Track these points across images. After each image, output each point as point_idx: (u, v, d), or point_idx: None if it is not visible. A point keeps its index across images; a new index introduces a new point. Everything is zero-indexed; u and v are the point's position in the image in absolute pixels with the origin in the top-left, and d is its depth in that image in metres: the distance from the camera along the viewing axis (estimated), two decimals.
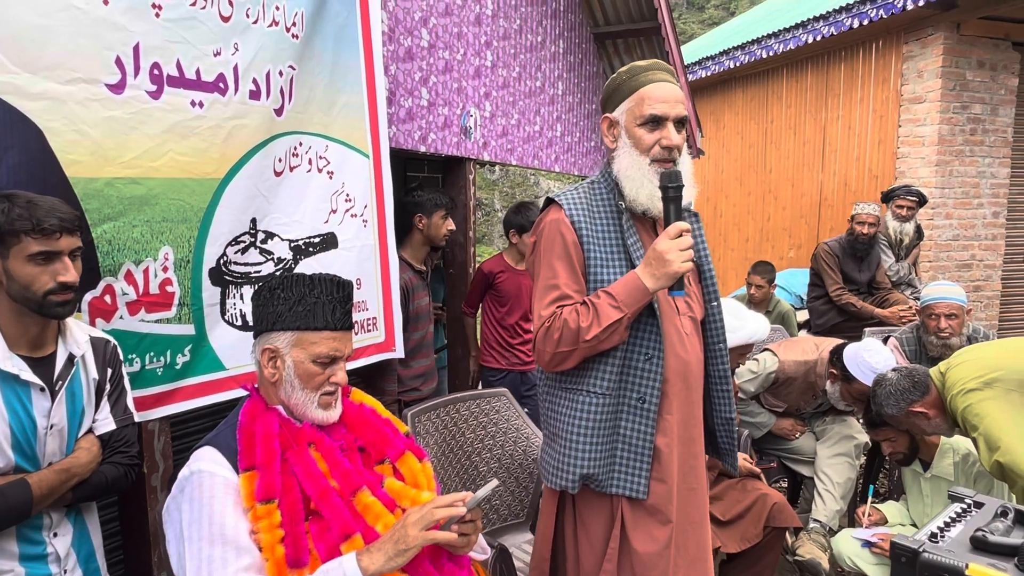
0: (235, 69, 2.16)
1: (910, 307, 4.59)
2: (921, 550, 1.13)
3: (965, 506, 1.32)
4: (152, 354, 2.01)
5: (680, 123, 1.70)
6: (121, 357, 1.80)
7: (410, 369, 3.13)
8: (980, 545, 1.15)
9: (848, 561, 2.85)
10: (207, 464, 1.45)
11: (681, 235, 1.60)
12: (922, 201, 4.99)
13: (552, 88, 4.26)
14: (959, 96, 5.97)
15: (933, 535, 1.21)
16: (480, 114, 3.55)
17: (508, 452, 2.62)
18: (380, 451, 1.65)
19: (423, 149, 3.14)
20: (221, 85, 2.13)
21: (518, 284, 3.57)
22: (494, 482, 1.48)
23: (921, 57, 6.05)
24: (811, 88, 7.28)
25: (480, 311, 3.69)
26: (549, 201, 1.80)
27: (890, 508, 3.01)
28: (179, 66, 2.00)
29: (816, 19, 6.61)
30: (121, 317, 1.92)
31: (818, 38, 6.63)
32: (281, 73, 2.33)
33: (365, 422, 1.68)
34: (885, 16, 5.88)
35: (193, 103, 2.05)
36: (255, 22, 2.22)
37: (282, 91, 2.34)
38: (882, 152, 6.47)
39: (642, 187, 1.69)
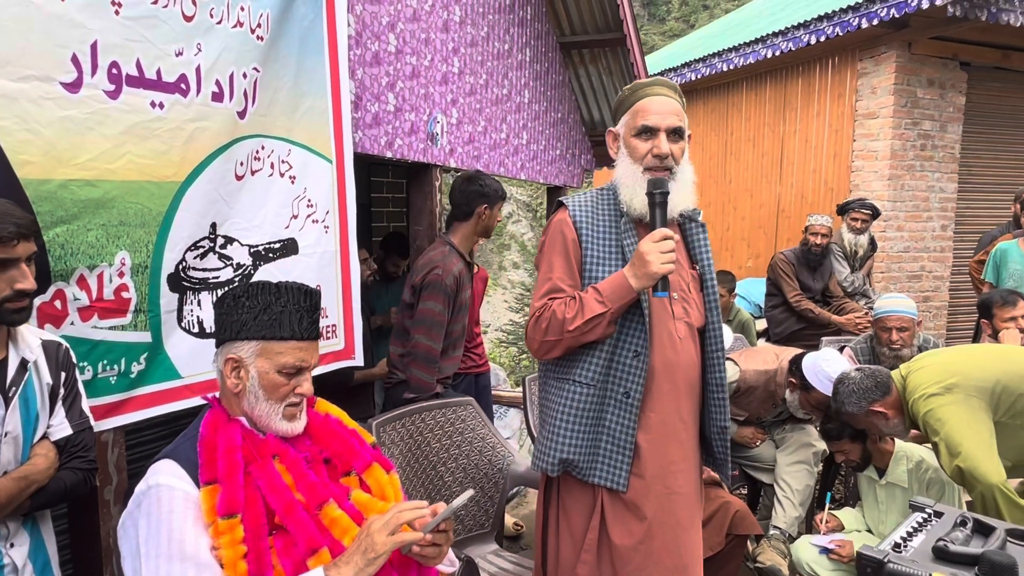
0: (197, 70, 2.11)
1: (865, 314, 4.73)
2: (886, 560, 1.15)
3: (926, 515, 1.34)
4: (105, 362, 1.94)
5: (675, 134, 1.79)
6: (74, 360, 1.73)
7: (450, 359, 3.10)
8: (942, 555, 1.17)
9: (807, 568, 2.90)
10: (165, 478, 1.40)
11: (665, 239, 1.68)
12: (875, 214, 5.14)
13: (518, 96, 4.27)
14: (910, 113, 6.17)
15: (896, 545, 1.23)
16: (447, 120, 3.53)
17: (474, 462, 2.60)
18: (346, 463, 1.61)
19: (389, 155, 3.11)
20: (183, 86, 2.07)
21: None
22: (469, 492, 1.47)
23: (875, 74, 6.24)
24: (770, 101, 7.44)
25: None
26: (559, 204, 1.92)
27: (846, 515, 3.07)
28: (139, 66, 1.94)
29: (775, 35, 6.77)
30: (72, 323, 1.85)
31: (777, 53, 6.79)
32: (245, 75, 2.28)
33: (331, 433, 1.64)
34: (841, 34, 6.04)
35: (153, 104, 1.99)
36: (219, 22, 2.17)
37: (245, 93, 2.29)
38: (837, 165, 6.65)
39: (636, 194, 1.79)
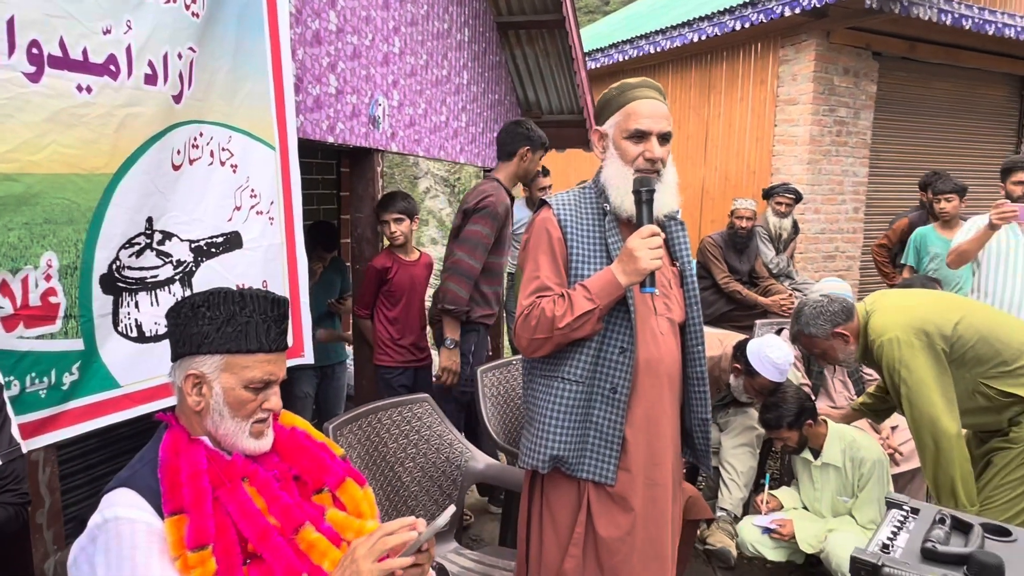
0: (128, 50, 1.91)
1: (789, 295, 4.94)
2: (881, 564, 1.18)
3: (904, 513, 1.40)
4: (33, 375, 1.76)
5: (664, 138, 1.82)
6: (2, 381, 1.56)
7: (488, 296, 3.40)
8: (930, 556, 1.22)
9: (751, 547, 3.01)
10: (124, 510, 1.28)
11: (652, 236, 1.71)
12: (798, 198, 5.34)
13: (457, 77, 4.15)
14: (827, 100, 6.43)
15: (884, 546, 1.27)
16: (388, 103, 3.39)
17: (431, 460, 2.54)
18: (318, 479, 1.53)
19: (331, 139, 2.96)
20: (112, 68, 1.87)
21: (410, 276, 3.45)
22: (451, 508, 1.41)
23: (795, 61, 6.45)
24: (695, 85, 7.59)
25: (374, 310, 3.52)
26: (543, 203, 1.92)
27: (783, 494, 3.21)
28: (63, 45, 1.74)
29: (701, 19, 6.88)
30: None
31: (703, 37, 6.91)
32: (180, 56, 2.09)
33: (299, 448, 1.55)
34: (765, 21, 6.21)
35: (80, 88, 1.79)
36: None
37: (181, 76, 2.10)
38: (760, 149, 6.87)
39: (626, 196, 1.80)
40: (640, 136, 1.79)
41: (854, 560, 1.22)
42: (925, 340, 2.28)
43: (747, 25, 6.39)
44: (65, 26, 1.74)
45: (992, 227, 3.39)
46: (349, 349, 4.73)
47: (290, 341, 2.62)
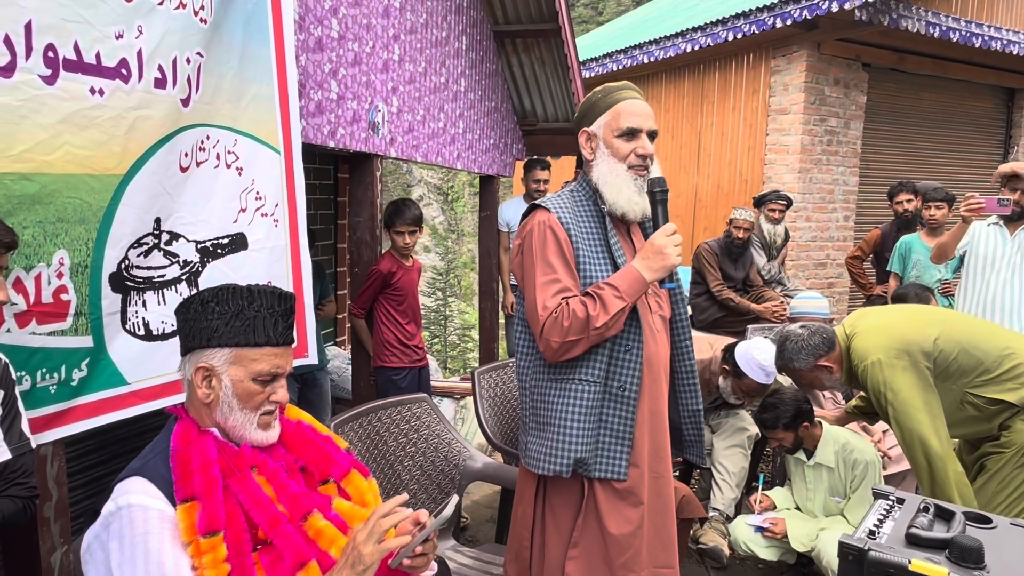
0: (139, 54, 1.97)
1: (781, 303, 5.01)
2: (868, 549, 1.24)
3: (890, 503, 1.45)
4: (44, 370, 1.80)
5: (651, 135, 1.87)
6: (14, 377, 1.60)
7: None
8: (914, 541, 1.27)
9: (743, 546, 3.06)
10: (138, 497, 1.32)
11: (674, 233, 1.78)
12: (789, 204, 5.43)
13: (455, 84, 4.22)
14: (818, 110, 6.54)
15: (871, 532, 1.32)
16: (388, 109, 3.45)
17: (430, 459, 2.58)
18: (323, 471, 1.57)
19: (332, 144, 3.01)
20: (124, 71, 1.93)
21: (411, 280, 3.54)
22: (455, 498, 1.46)
23: (787, 72, 6.56)
24: (688, 95, 7.69)
25: (375, 312, 3.58)
26: (534, 206, 1.92)
27: (777, 494, 3.26)
28: (77, 49, 1.79)
29: (694, 30, 6.98)
30: (8, 330, 1.70)
31: (696, 48, 7.01)
32: (188, 60, 2.14)
33: (305, 441, 1.59)
34: (757, 32, 6.31)
35: (92, 90, 1.84)
36: (160, 3, 2.03)
37: (189, 80, 2.16)
38: (752, 158, 6.97)
39: (620, 192, 1.85)
40: (631, 134, 1.84)
41: (842, 545, 1.27)
42: (908, 360, 2.30)
43: (739, 36, 6.49)
44: (80, 31, 1.79)
45: (965, 220, 3.50)
46: (330, 353, 4.77)
47: (295, 340, 2.67)
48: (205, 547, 1.30)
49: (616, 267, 1.86)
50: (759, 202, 5.45)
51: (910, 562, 1.19)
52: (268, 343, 1.43)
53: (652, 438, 1.89)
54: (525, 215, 1.94)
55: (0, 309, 1.67)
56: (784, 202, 5.33)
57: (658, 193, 1.83)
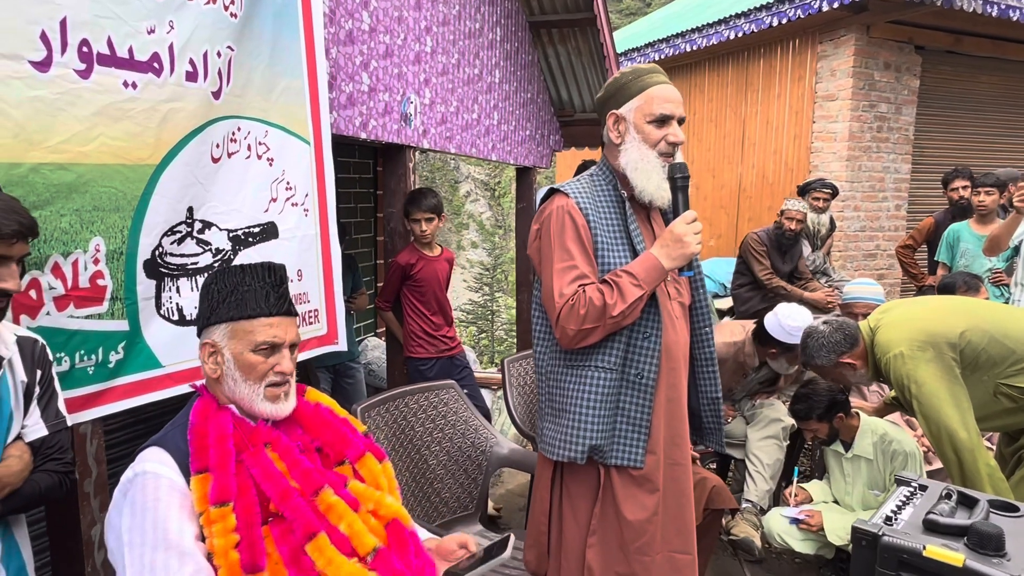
0: (171, 48, 2.03)
1: (833, 290, 4.88)
2: (881, 533, 1.20)
3: (911, 490, 1.41)
4: (82, 352, 1.88)
5: (680, 122, 1.86)
6: (51, 357, 1.67)
7: None
8: (932, 527, 1.23)
9: (778, 538, 3.00)
10: (152, 465, 1.38)
11: (695, 221, 1.77)
12: (835, 193, 5.27)
13: (489, 76, 4.23)
14: (867, 95, 6.32)
15: (888, 518, 1.28)
16: (420, 101, 3.49)
17: (457, 445, 2.61)
18: (339, 452, 1.61)
19: (364, 136, 3.06)
20: (156, 65, 1.99)
21: (434, 271, 3.55)
22: (512, 539, 1.49)
23: (834, 57, 6.36)
24: (732, 83, 7.53)
25: (402, 304, 3.62)
26: (552, 191, 1.90)
27: (813, 487, 3.18)
28: (110, 44, 1.86)
29: (738, 16, 6.84)
30: (48, 313, 1.78)
31: (739, 34, 6.86)
32: (219, 54, 2.20)
33: (322, 422, 1.63)
34: (802, 16, 6.14)
35: (126, 84, 1.91)
36: None
37: (220, 73, 2.22)
38: (797, 146, 6.79)
39: (650, 178, 1.82)
40: (663, 120, 1.81)
41: (855, 530, 1.24)
42: (932, 351, 2.24)
43: (784, 21, 6.33)
44: (113, 26, 1.86)
45: (1019, 211, 3.36)
46: (370, 344, 4.84)
47: (325, 328, 2.73)
48: (215, 516, 1.35)
49: (635, 254, 1.83)
50: (803, 191, 5.31)
51: (924, 547, 1.15)
52: (262, 314, 1.47)
53: (669, 425, 1.87)
54: (543, 199, 1.93)
55: (40, 293, 1.76)
56: (829, 191, 5.18)
57: (679, 180, 1.80)
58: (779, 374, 3.38)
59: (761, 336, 3.20)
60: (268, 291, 1.48)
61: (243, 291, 1.47)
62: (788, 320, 3.10)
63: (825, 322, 2.57)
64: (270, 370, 1.46)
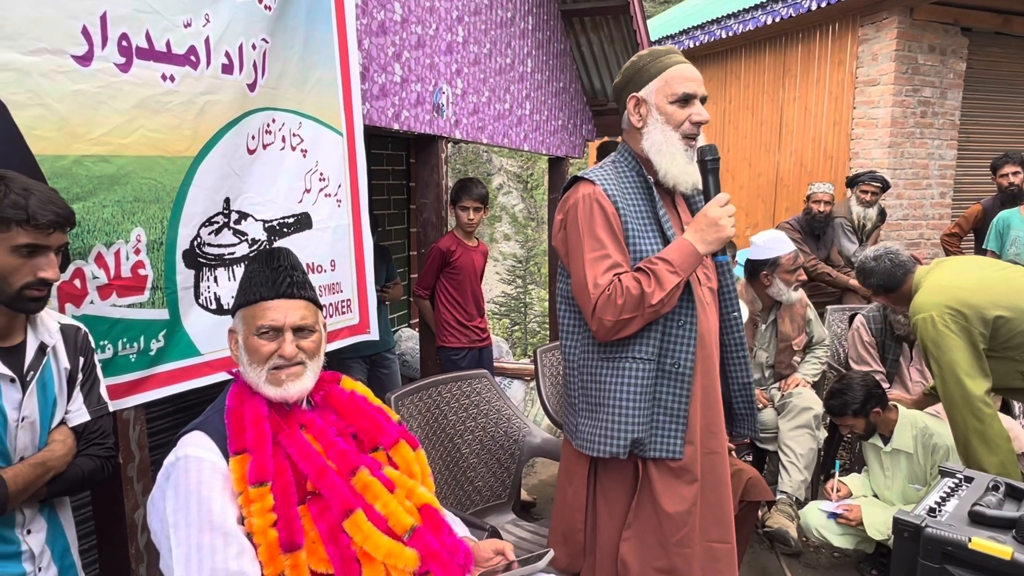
0: (207, 41, 2.06)
1: None
2: (924, 525, 1.17)
3: (956, 481, 1.36)
4: (125, 340, 1.93)
5: (703, 101, 1.82)
6: (92, 345, 1.71)
7: None
8: (978, 519, 1.19)
9: (815, 533, 2.95)
10: (194, 449, 1.41)
11: (728, 204, 1.73)
12: (885, 187, 5.11)
13: (521, 65, 4.21)
14: (911, 79, 6.13)
15: (931, 510, 1.25)
16: (452, 91, 3.49)
17: (490, 434, 2.61)
18: (373, 439, 1.62)
19: (396, 127, 3.07)
20: (192, 58, 2.03)
21: (471, 260, 3.55)
22: (550, 553, 1.49)
23: (875, 40, 6.18)
24: (769, 69, 7.37)
25: (436, 293, 3.63)
26: (576, 179, 1.86)
27: (853, 481, 3.12)
28: (148, 37, 1.90)
29: (775, 0, 6.68)
30: (91, 302, 1.83)
31: (777, 19, 6.71)
32: (254, 46, 2.23)
33: (357, 410, 1.65)
34: None
35: (164, 77, 1.95)
36: None
37: (255, 65, 2.25)
38: (837, 133, 6.62)
39: (675, 160, 1.78)
40: (686, 100, 1.78)
41: (897, 521, 1.21)
42: (961, 322, 2.25)
43: (823, 4, 6.16)
44: (150, 20, 1.90)
45: None
46: (404, 334, 4.86)
47: (357, 317, 2.76)
48: (253, 496, 1.38)
49: (666, 240, 1.80)
50: (851, 183, 5.16)
51: (970, 540, 1.12)
52: (263, 298, 1.50)
53: (704, 414, 1.84)
54: (567, 188, 1.88)
55: (84, 282, 1.80)
56: (879, 184, 5.01)
57: (709, 162, 1.76)
58: (789, 331, 3.46)
59: (750, 272, 3.34)
60: (269, 274, 1.52)
61: (249, 277, 1.53)
62: (759, 240, 3.33)
63: (887, 248, 2.71)
64: (272, 354, 1.47)
